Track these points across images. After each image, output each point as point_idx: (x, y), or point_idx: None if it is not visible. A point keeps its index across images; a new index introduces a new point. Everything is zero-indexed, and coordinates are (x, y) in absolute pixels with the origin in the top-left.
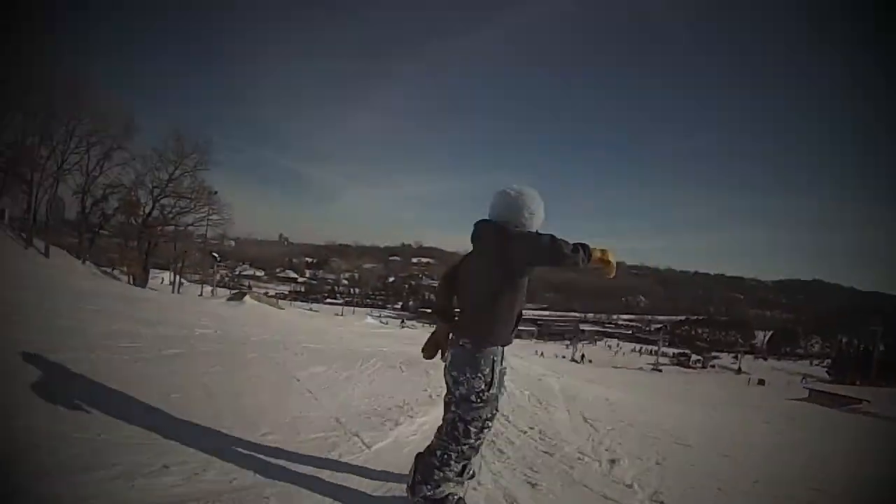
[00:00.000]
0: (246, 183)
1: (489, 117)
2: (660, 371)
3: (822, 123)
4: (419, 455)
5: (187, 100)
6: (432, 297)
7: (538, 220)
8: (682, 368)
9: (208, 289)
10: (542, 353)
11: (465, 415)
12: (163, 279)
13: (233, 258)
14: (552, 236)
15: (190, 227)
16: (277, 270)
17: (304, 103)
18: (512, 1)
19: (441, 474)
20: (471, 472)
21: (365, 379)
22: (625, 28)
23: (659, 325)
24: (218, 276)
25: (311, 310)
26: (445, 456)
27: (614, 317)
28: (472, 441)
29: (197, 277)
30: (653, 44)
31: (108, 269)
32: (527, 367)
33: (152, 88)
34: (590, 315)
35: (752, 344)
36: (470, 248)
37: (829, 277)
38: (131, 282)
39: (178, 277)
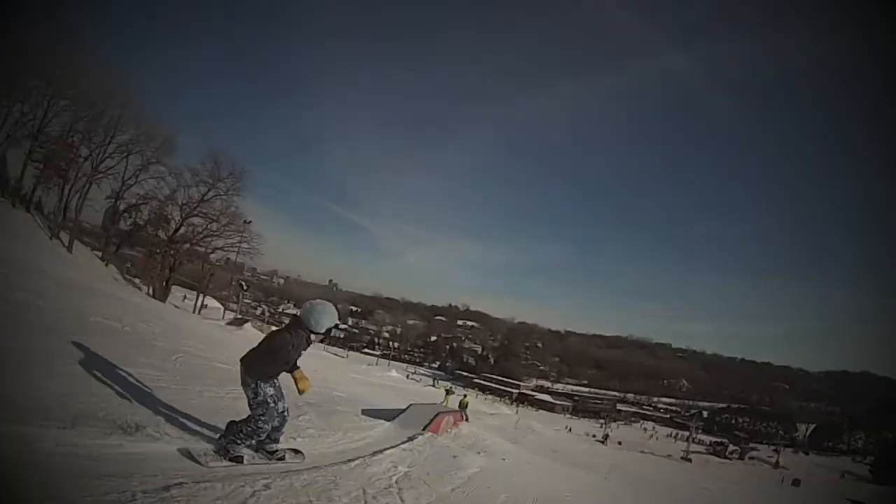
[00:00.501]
0: (301, 226)
1: (543, 188)
2: (689, 461)
3: (873, 213)
4: (230, 423)
5: (247, 132)
6: (471, 360)
7: (321, 326)
8: (716, 458)
9: (230, 315)
10: (570, 429)
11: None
12: (185, 296)
13: (278, 296)
14: (270, 352)
15: (219, 251)
16: None
17: (369, 153)
18: (565, 74)
19: (239, 439)
20: (245, 447)
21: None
22: (678, 108)
23: (695, 411)
24: (241, 304)
25: (336, 355)
26: (245, 431)
27: (654, 399)
28: (253, 428)
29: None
30: (707, 124)
31: (130, 277)
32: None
33: (211, 116)
34: (630, 395)
35: (793, 437)
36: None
37: (878, 370)
38: (150, 293)
39: (202, 298)
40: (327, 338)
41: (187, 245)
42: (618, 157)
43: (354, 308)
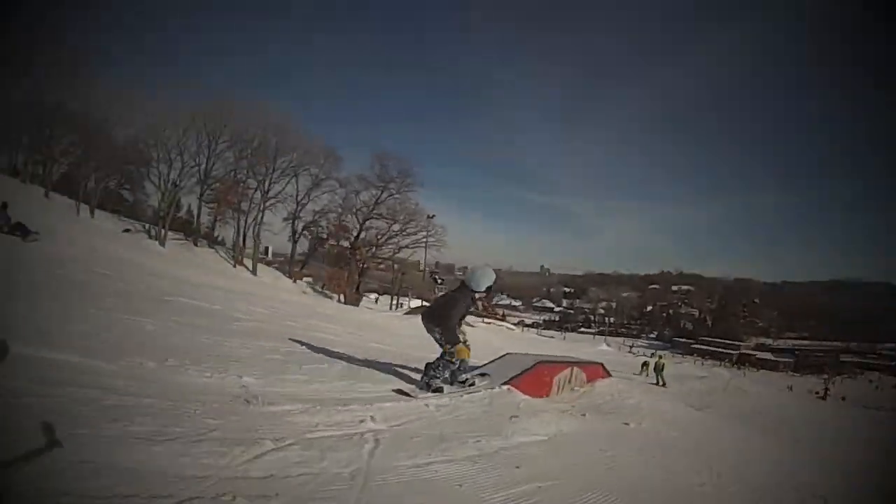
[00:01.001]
0: (507, 217)
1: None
2: None
3: None
4: (427, 364)
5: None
6: (689, 325)
7: (480, 285)
8: None
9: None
10: (791, 387)
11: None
12: (377, 298)
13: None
14: (454, 321)
15: (406, 249)
16: (534, 300)
17: (550, 134)
18: None
19: (438, 374)
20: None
21: None
22: None
23: None
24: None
25: (552, 337)
26: (440, 366)
27: (878, 347)
28: (446, 362)
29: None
30: None
31: (319, 288)
32: None
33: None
34: (853, 344)
35: None
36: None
37: None
38: (342, 301)
39: (396, 299)
40: (487, 302)
41: (372, 249)
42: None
43: (567, 289)
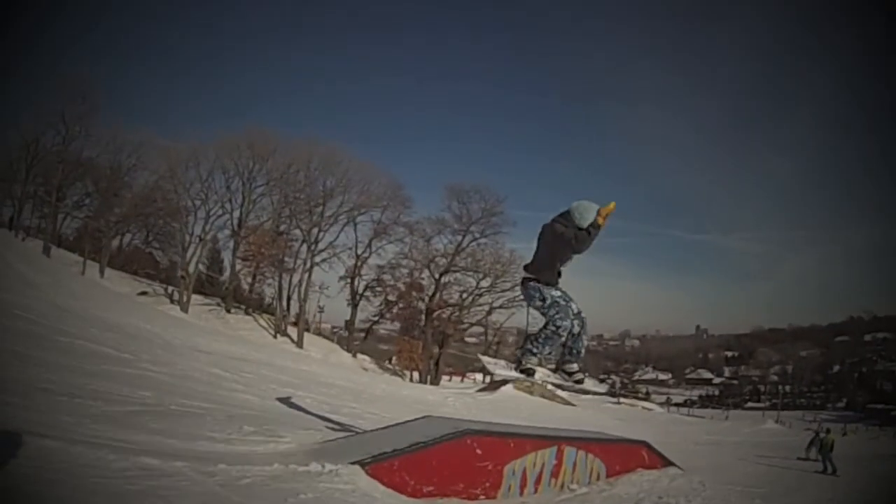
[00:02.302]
0: (647, 264)
1: None
2: None
3: None
4: (526, 336)
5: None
6: (888, 387)
7: (585, 219)
8: None
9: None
10: None
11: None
12: (474, 379)
13: (633, 361)
14: (546, 249)
15: (500, 310)
16: (687, 371)
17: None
18: None
19: (536, 347)
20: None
21: None
22: None
23: None
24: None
25: (701, 418)
26: (542, 336)
27: None
28: (553, 329)
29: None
30: None
31: (386, 363)
32: None
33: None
34: None
35: None
36: None
37: None
38: (417, 379)
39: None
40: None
41: (455, 311)
42: None
43: (729, 353)
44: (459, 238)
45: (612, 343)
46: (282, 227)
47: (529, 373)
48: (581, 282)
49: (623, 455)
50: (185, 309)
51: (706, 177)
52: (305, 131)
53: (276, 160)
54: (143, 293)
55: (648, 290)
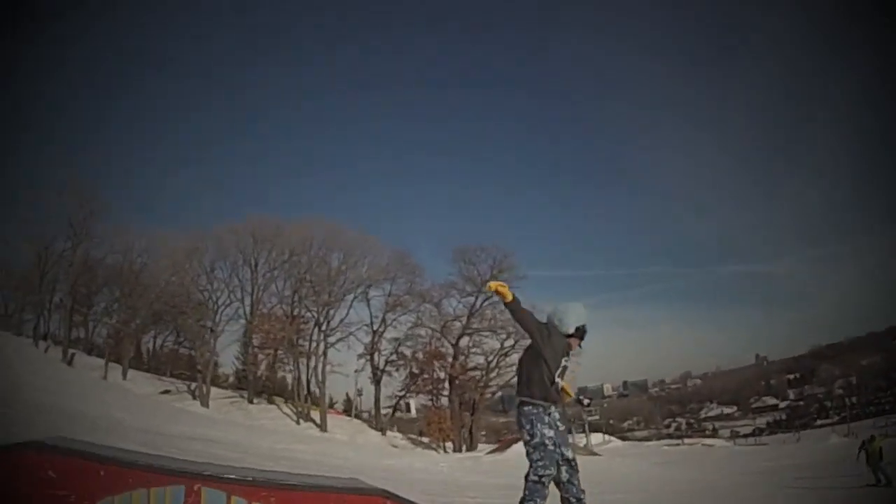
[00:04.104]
0: (707, 308)
1: None
2: None
3: None
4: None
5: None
6: None
7: (566, 325)
8: None
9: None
10: None
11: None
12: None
13: (696, 401)
14: (530, 364)
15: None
16: (752, 401)
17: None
18: None
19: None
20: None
21: None
22: None
23: None
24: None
25: (765, 444)
26: (526, 487)
27: None
28: (535, 479)
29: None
30: None
31: (417, 437)
32: None
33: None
34: None
35: None
36: None
37: None
38: (452, 448)
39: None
40: (581, 341)
41: (479, 376)
42: None
43: (791, 376)
44: (472, 300)
45: (673, 387)
46: (294, 311)
47: None
48: (636, 333)
49: None
50: (205, 403)
51: (738, 210)
52: (305, 213)
53: (280, 244)
54: (166, 391)
55: (703, 330)
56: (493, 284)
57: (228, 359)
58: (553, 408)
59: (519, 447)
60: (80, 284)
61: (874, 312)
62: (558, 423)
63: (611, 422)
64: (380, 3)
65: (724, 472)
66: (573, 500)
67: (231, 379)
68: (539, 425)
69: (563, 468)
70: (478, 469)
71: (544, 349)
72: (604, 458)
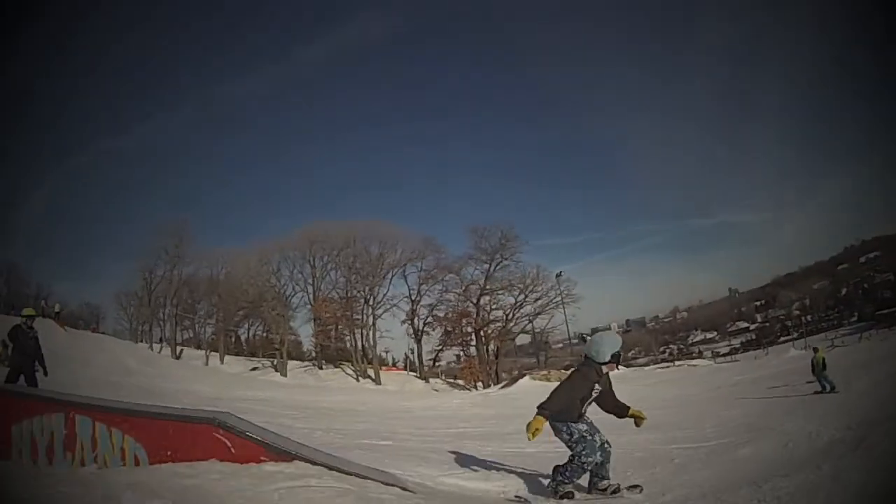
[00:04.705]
0: (683, 251)
1: None
2: None
3: None
4: (555, 467)
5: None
6: (887, 294)
7: (603, 354)
8: None
9: None
10: None
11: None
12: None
13: (684, 330)
14: (566, 391)
15: (542, 317)
16: (728, 326)
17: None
18: None
19: (566, 478)
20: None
21: None
22: None
23: None
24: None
25: (736, 360)
26: (570, 469)
27: None
28: (578, 464)
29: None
30: None
31: (453, 380)
32: None
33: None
34: None
35: None
36: None
37: None
38: (477, 388)
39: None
40: (617, 363)
41: (499, 327)
42: None
43: (758, 302)
44: (487, 266)
45: (665, 320)
46: (348, 293)
47: (570, 496)
48: (632, 281)
49: (178, 437)
50: (283, 373)
51: (705, 168)
52: (348, 214)
53: (330, 243)
54: (254, 369)
55: (686, 273)
56: (530, 434)
57: (307, 338)
58: (581, 420)
59: (524, 382)
60: (184, 297)
61: (820, 244)
62: (587, 418)
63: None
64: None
65: (704, 385)
66: (603, 476)
67: (310, 353)
68: (571, 425)
69: (600, 452)
70: (485, 403)
71: (585, 385)
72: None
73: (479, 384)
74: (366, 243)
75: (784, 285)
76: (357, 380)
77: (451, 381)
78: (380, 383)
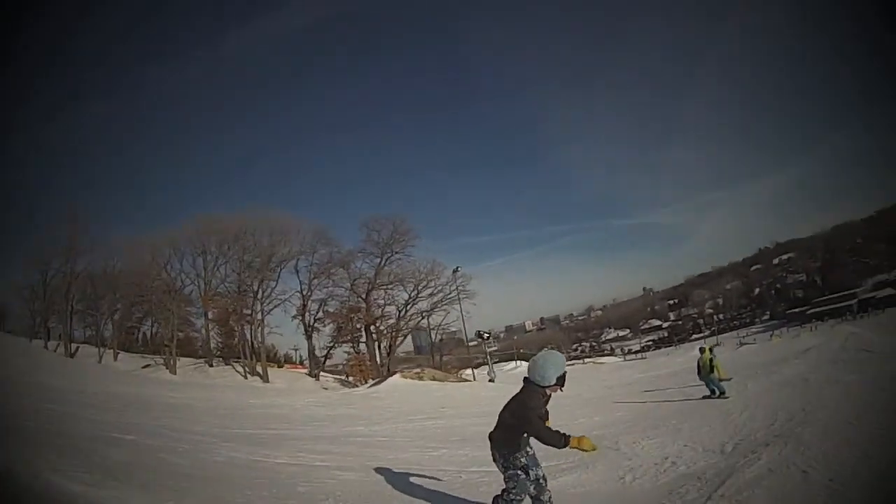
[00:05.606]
0: (598, 253)
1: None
2: None
3: None
4: (494, 497)
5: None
6: (799, 294)
7: (548, 378)
8: None
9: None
10: None
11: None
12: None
13: (598, 327)
14: (539, 424)
15: (440, 311)
16: (641, 324)
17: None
18: None
19: None
20: None
21: None
22: None
23: None
24: (489, 355)
25: (644, 358)
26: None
27: None
28: (507, 500)
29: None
30: None
31: (343, 377)
32: None
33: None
34: None
35: None
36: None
37: None
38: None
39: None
40: (561, 387)
41: (392, 321)
42: None
43: (671, 302)
44: (378, 260)
45: (580, 318)
46: (239, 287)
47: None
48: (548, 279)
49: None
50: (173, 371)
51: (626, 173)
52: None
53: (221, 234)
54: (146, 366)
55: (602, 271)
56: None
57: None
58: (520, 452)
59: (394, 380)
60: (88, 292)
61: (733, 246)
62: (528, 450)
63: (531, 351)
64: None
65: (605, 383)
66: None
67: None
68: (511, 459)
69: (532, 486)
70: (332, 403)
71: (532, 413)
72: (458, 384)
73: (371, 381)
74: (257, 235)
75: (698, 285)
76: (245, 377)
77: (343, 377)
78: (268, 381)
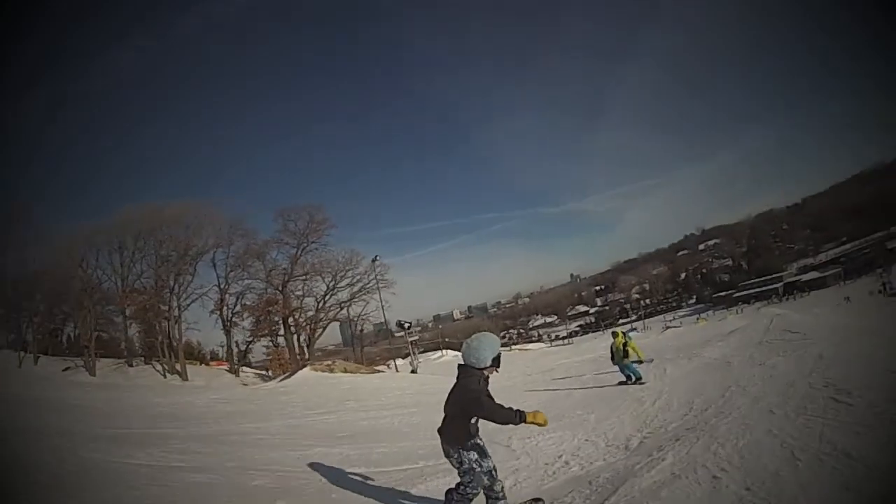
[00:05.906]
0: (525, 241)
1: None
2: None
3: None
4: (447, 491)
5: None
6: (725, 277)
7: (484, 359)
8: None
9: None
10: (848, 298)
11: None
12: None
13: (526, 314)
14: (490, 404)
15: (359, 301)
16: (568, 310)
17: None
18: None
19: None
20: None
21: None
22: None
23: None
24: (413, 345)
25: (569, 343)
26: (454, 499)
27: None
28: (462, 494)
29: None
30: None
31: (264, 372)
32: None
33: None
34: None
35: None
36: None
37: None
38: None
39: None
40: (497, 368)
41: (310, 313)
42: None
43: (598, 288)
44: (294, 251)
45: (508, 305)
46: (158, 283)
47: None
48: (476, 267)
49: None
50: (92, 373)
51: (554, 161)
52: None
53: (134, 228)
54: (67, 369)
55: (530, 259)
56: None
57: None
58: (471, 441)
59: (304, 373)
60: (3, 295)
61: (660, 233)
62: (479, 441)
63: (458, 339)
64: None
65: (526, 370)
66: (497, 500)
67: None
68: (464, 452)
69: (486, 477)
70: (235, 399)
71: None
72: (369, 376)
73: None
74: (173, 228)
75: (624, 271)
76: (164, 376)
77: (264, 372)
78: (187, 379)
